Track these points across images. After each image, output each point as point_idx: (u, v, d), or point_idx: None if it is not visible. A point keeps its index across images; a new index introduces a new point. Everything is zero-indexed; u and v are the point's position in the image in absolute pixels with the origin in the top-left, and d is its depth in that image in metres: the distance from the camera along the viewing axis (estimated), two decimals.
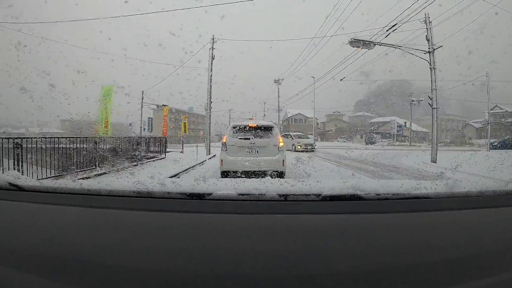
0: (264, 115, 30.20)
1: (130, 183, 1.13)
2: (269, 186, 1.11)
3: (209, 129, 15.49)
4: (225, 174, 5.97)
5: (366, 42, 10.83)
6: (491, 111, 21.71)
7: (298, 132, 22.35)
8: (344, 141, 36.04)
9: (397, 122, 36.40)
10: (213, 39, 14.10)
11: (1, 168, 4.87)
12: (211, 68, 14.43)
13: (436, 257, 0.75)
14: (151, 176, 1.55)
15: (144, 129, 22.71)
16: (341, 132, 44.32)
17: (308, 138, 18.92)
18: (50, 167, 5.85)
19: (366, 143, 31.47)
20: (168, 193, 1.05)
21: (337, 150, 17.18)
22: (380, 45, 11.08)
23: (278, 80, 23.21)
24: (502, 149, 17.18)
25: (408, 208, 1.02)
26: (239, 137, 6.01)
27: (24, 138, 5.63)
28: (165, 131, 19.86)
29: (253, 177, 1.62)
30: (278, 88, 24.25)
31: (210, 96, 14.63)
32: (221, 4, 13.94)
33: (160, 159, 11.13)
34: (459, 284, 0.68)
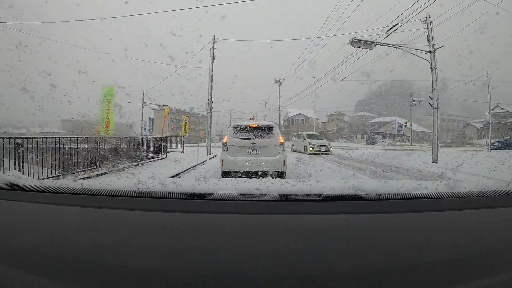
0: (265, 115, 30.22)
1: (131, 183, 1.13)
2: (270, 186, 1.11)
3: (210, 129, 15.48)
4: (226, 174, 5.97)
5: (367, 42, 10.83)
6: (492, 111, 21.70)
7: (311, 132, 20.55)
8: (345, 141, 35.94)
9: (398, 122, 36.40)
10: (214, 39, 14.12)
11: (2, 168, 4.88)
12: (212, 68, 14.45)
13: (437, 257, 0.75)
14: (152, 176, 1.56)
15: (145, 129, 22.77)
16: (342, 132, 44.29)
17: (322, 139, 16.91)
18: (51, 167, 5.86)
19: (367, 143, 31.40)
20: (169, 193, 1.05)
21: (338, 150, 17.08)
22: (381, 45, 11.07)
23: (279, 80, 23.21)
24: (503, 149, 17.17)
25: (409, 208, 1.02)
26: (240, 137, 6.01)
27: (25, 138, 5.64)
28: (165, 131, 19.89)
29: (254, 177, 1.62)
30: (279, 88, 24.22)
31: (211, 96, 14.64)
32: (222, 4, 13.94)
33: (161, 159, 11.13)
34: (460, 284, 0.68)
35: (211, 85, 14.57)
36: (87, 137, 7.36)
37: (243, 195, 1.04)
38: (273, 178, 1.43)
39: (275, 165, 5.76)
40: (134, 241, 0.81)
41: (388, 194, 1.04)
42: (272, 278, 0.68)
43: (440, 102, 11.50)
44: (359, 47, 11.05)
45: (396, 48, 10.95)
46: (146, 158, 9.87)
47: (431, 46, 10.64)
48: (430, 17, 10.54)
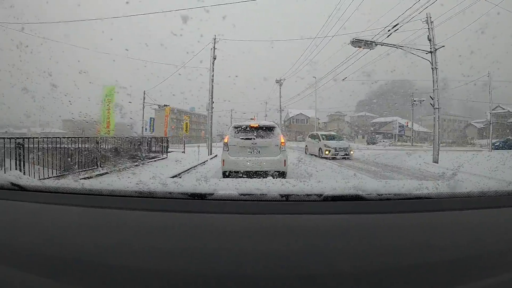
0: (266, 115, 30.26)
1: (132, 183, 1.13)
2: (271, 186, 1.11)
3: (211, 129, 15.50)
4: (226, 174, 5.98)
5: (368, 42, 10.83)
6: (493, 111, 21.64)
7: (328, 131, 17.25)
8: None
9: (398, 122, 36.40)
10: (214, 39, 14.14)
11: (3, 168, 4.89)
12: (213, 68, 14.48)
13: (438, 258, 0.74)
14: (152, 176, 1.55)
15: (146, 129, 22.79)
16: (342, 132, 44.29)
17: (341, 139, 14.22)
18: (52, 167, 5.88)
19: (368, 143, 31.41)
20: (170, 193, 1.05)
21: None
22: (381, 45, 11.08)
23: (280, 80, 23.22)
24: (504, 149, 17.17)
25: (410, 208, 1.02)
26: (241, 137, 6.01)
27: (26, 138, 5.66)
28: (166, 131, 19.92)
29: (255, 177, 1.62)
30: (280, 88, 24.22)
31: (212, 96, 14.67)
32: (223, 4, 13.94)
33: (162, 159, 11.16)
34: (461, 284, 0.68)
35: (212, 85, 14.60)
36: (88, 137, 7.39)
37: (244, 195, 1.04)
38: (274, 178, 1.43)
39: (276, 165, 5.77)
40: (135, 241, 0.81)
41: (389, 194, 1.04)
42: (273, 278, 0.68)
43: (441, 102, 11.49)
44: (360, 47, 11.06)
45: (397, 48, 10.96)
46: (147, 158, 9.90)
47: (432, 46, 10.64)
48: (431, 17, 10.54)
